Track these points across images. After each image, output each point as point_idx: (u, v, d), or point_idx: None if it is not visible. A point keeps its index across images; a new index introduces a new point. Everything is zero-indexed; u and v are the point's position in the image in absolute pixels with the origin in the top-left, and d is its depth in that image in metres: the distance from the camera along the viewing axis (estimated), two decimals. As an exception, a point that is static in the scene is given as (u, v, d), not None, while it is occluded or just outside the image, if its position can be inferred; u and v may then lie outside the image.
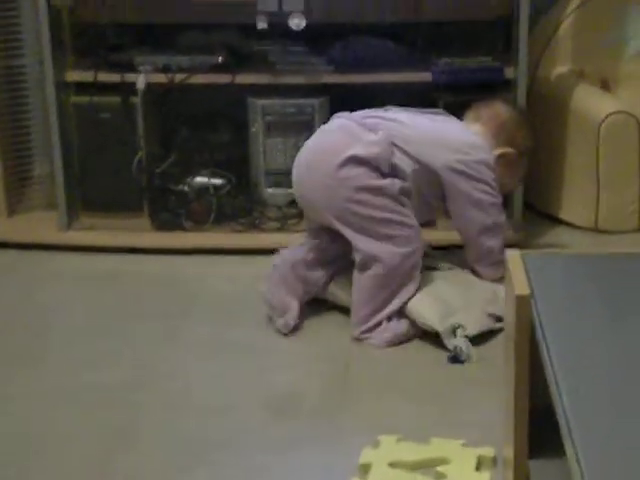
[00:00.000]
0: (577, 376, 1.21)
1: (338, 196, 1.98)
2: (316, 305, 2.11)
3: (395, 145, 2.02)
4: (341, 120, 2.07)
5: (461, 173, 2.06)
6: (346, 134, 2.02)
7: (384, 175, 1.99)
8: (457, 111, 2.41)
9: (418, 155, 2.04)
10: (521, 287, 1.41)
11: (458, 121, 2.17)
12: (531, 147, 2.23)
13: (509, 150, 2.16)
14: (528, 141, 2.22)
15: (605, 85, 2.64)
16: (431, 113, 2.16)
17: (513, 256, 1.53)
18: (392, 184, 1.99)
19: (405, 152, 2.03)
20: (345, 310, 2.06)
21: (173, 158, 2.51)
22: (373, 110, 2.11)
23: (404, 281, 1.98)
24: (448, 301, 2.02)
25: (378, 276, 1.98)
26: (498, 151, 2.15)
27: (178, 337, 2.04)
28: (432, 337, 1.97)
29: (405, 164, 2.03)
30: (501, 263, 2.08)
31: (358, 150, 1.98)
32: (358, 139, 2.00)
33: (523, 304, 1.39)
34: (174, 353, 1.99)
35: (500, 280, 1.96)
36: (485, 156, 2.10)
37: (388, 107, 2.13)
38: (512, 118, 2.20)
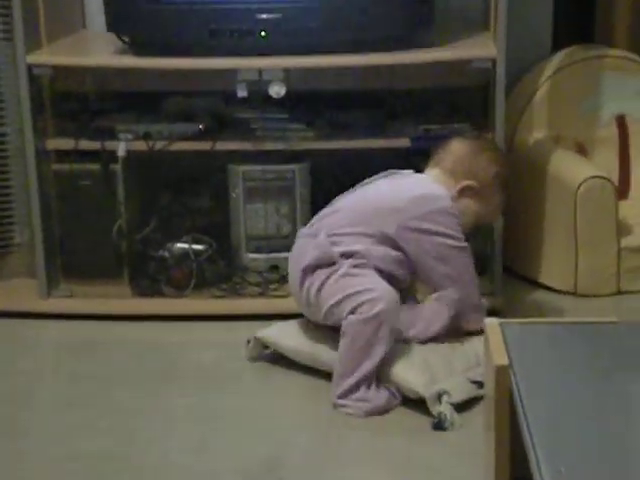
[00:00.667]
0: (555, 447, 1.26)
1: (314, 305, 2.13)
2: (301, 369, 2.16)
3: (339, 234, 2.12)
4: (298, 240, 2.21)
5: (415, 230, 2.11)
6: (298, 252, 2.18)
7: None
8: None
9: (374, 230, 2.11)
10: (500, 357, 1.46)
11: (418, 175, 2.23)
12: (499, 171, 2.22)
13: (469, 183, 2.19)
14: (493, 166, 2.21)
15: (581, 150, 2.73)
16: (396, 175, 2.23)
17: (492, 325, 1.59)
18: (341, 265, 2.09)
19: (355, 234, 2.11)
20: (328, 375, 2.11)
21: (153, 224, 2.55)
22: (325, 209, 2.21)
23: (370, 343, 2.03)
24: (432, 368, 2.07)
25: (346, 342, 2.05)
26: (457, 187, 2.19)
27: (159, 405, 2.08)
28: (414, 403, 2.01)
29: (359, 246, 2.11)
30: (482, 307, 2.17)
31: (306, 260, 2.12)
32: (305, 251, 2.14)
33: (502, 374, 1.44)
34: (155, 421, 2.02)
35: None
36: (441, 203, 2.13)
37: (360, 184, 2.23)
38: (468, 149, 2.22)
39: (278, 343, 2.21)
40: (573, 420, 1.33)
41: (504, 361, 1.45)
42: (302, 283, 2.13)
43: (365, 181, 2.25)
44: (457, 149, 2.24)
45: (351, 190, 2.24)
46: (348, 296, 2.06)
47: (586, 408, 1.37)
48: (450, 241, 2.13)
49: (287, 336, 2.21)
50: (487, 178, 2.21)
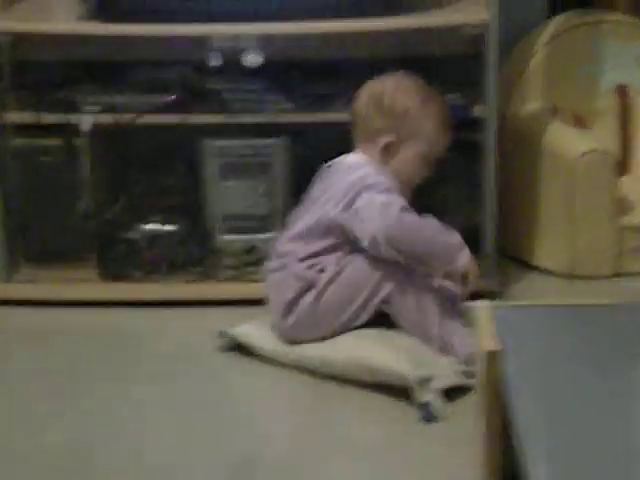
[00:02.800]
0: (547, 438, 1.29)
1: (309, 325, 2.21)
2: (279, 366, 2.19)
3: (309, 256, 2.19)
4: (273, 275, 2.26)
5: (350, 202, 2.15)
6: (276, 287, 2.25)
7: None
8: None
9: (335, 241, 2.18)
10: (490, 342, 1.49)
11: (347, 160, 2.26)
12: (411, 101, 2.22)
13: (385, 140, 2.21)
14: (402, 103, 2.21)
15: (579, 122, 2.75)
16: (330, 170, 2.28)
17: (483, 309, 1.61)
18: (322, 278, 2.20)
19: (323, 250, 2.19)
20: (309, 371, 2.15)
21: (122, 204, 2.56)
22: (284, 234, 2.28)
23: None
24: (416, 352, 2.10)
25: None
26: (377, 152, 2.22)
27: (129, 395, 2.10)
28: (399, 391, 2.03)
29: (332, 257, 2.18)
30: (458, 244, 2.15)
31: (289, 294, 2.19)
32: (284, 285, 2.21)
33: (493, 361, 1.47)
34: (125, 412, 2.05)
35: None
36: (367, 181, 2.16)
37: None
38: (367, 101, 2.24)
39: (253, 344, 2.23)
40: (567, 409, 1.36)
41: (495, 346, 1.48)
42: (286, 315, 2.18)
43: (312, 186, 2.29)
44: (359, 107, 2.27)
45: (301, 205, 2.29)
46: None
47: (581, 396, 1.39)
48: (383, 194, 2.14)
49: (263, 337, 2.23)
50: (403, 120, 2.22)
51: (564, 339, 1.57)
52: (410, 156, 2.24)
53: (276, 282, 2.23)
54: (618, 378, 1.44)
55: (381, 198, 2.12)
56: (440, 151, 2.29)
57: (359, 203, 2.14)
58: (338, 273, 2.16)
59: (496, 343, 1.49)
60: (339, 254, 2.19)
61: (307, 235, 2.21)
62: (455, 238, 2.17)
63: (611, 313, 1.66)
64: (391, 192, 2.16)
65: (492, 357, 1.47)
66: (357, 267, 2.16)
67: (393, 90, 2.27)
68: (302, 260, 2.19)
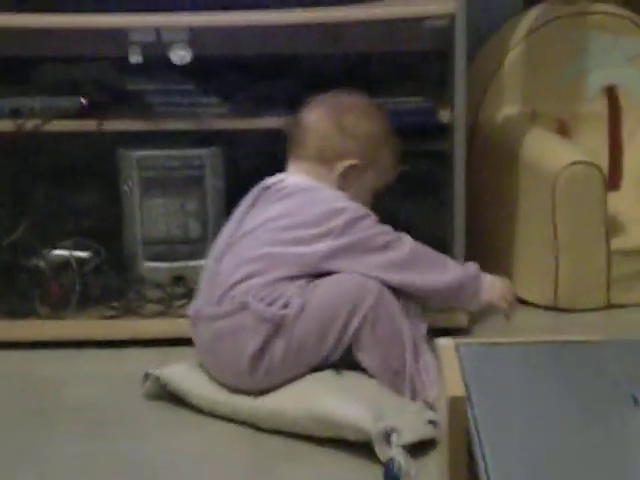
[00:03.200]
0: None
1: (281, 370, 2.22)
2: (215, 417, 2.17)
3: (267, 290, 2.17)
4: (214, 324, 2.22)
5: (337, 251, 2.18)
6: (228, 337, 2.20)
7: None
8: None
9: (292, 271, 2.17)
10: (454, 387, 1.49)
11: (288, 181, 2.26)
12: (375, 125, 2.28)
13: (350, 162, 2.24)
14: (366, 126, 2.27)
15: (562, 129, 2.78)
16: (264, 195, 2.27)
17: (446, 347, 1.62)
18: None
19: (280, 281, 2.18)
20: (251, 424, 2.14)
21: (25, 226, 2.55)
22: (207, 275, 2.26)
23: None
24: (377, 401, 2.09)
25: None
26: (336, 173, 2.25)
27: (36, 455, 2.07)
28: (359, 448, 2.02)
29: (292, 288, 2.18)
30: (470, 282, 2.27)
31: (253, 344, 2.16)
32: (241, 333, 2.18)
33: (457, 406, 1.47)
34: (32, 475, 2.01)
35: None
36: (341, 204, 2.20)
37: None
38: (327, 120, 2.27)
39: (186, 390, 2.21)
40: (543, 464, 1.36)
41: (460, 391, 1.48)
42: (254, 368, 2.15)
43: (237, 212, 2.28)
44: (314, 123, 2.28)
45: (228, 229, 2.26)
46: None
47: (561, 447, 1.40)
48: (378, 237, 2.22)
49: (194, 380, 2.21)
50: (367, 144, 2.28)
51: (541, 381, 1.57)
52: (368, 183, 2.30)
53: (231, 330, 2.18)
54: (603, 426, 1.44)
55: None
56: (386, 183, 2.35)
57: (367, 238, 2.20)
58: (303, 306, 2.16)
59: (461, 388, 1.49)
60: (300, 282, 2.17)
61: (261, 265, 2.18)
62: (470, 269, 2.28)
63: (596, 351, 1.66)
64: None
65: (456, 404, 1.47)
66: (323, 296, 2.16)
67: (353, 110, 2.30)
68: (261, 298, 2.16)
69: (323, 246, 2.18)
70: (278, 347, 2.15)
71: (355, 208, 2.22)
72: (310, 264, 2.18)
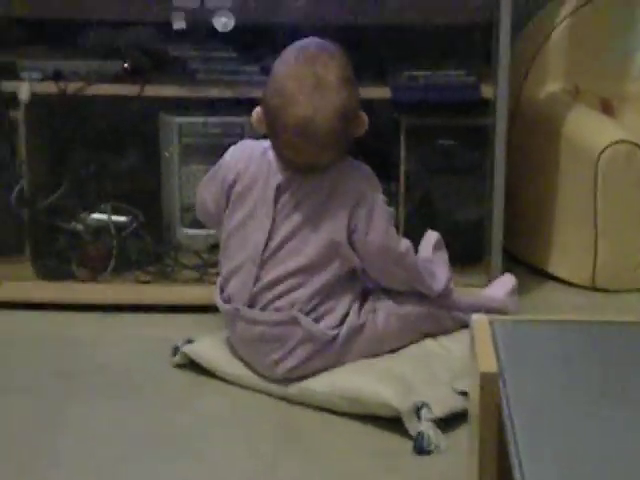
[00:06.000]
0: (548, 474, 1.28)
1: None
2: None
3: (315, 306, 2.16)
4: (255, 328, 2.20)
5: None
6: (269, 344, 2.20)
7: None
8: (423, 137, 2.51)
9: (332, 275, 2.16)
10: (487, 363, 1.48)
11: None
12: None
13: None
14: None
15: (606, 107, 2.75)
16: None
17: (479, 323, 1.61)
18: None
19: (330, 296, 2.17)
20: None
21: (64, 189, 2.56)
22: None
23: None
24: (408, 377, 2.10)
25: None
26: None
27: (66, 417, 2.09)
28: (388, 422, 2.03)
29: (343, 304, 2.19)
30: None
31: (297, 358, 2.16)
32: (285, 344, 2.17)
33: (489, 383, 1.46)
34: (61, 438, 2.02)
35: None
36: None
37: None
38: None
39: (211, 365, 2.22)
40: (572, 442, 1.35)
41: (492, 368, 1.48)
42: (291, 373, 2.15)
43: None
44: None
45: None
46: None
47: (592, 428, 1.39)
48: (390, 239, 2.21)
49: (222, 358, 2.22)
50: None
51: (576, 361, 1.56)
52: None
53: (276, 338, 2.16)
54: (635, 407, 1.44)
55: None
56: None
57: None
58: (361, 327, 2.17)
59: (493, 364, 1.48)
60: (350, 296, 2.17)
61: (310, 268, 2.15)
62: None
63: (634, 332, 1.65)
64: None
65: (488, 380, 1.46)
66: (384, 322, 2.19)
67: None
68: (308, 312, 2.14)
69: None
70: (319, 362, 2.16)
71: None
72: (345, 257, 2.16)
